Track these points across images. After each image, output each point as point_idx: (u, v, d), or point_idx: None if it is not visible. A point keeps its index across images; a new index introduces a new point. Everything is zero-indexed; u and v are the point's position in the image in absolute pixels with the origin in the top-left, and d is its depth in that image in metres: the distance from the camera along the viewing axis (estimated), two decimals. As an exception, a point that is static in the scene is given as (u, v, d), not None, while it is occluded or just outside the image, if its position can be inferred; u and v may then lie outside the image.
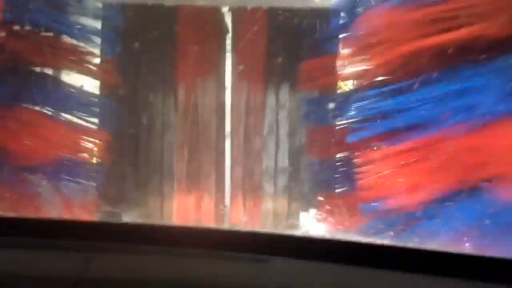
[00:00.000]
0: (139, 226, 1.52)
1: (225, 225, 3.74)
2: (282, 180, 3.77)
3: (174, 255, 1.34)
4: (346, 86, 3.53)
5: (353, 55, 3.43)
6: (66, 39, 3.56)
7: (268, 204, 3.73)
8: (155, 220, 3.69)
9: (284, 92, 3.75)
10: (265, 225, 3.68)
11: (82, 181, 3.53)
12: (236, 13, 3.68)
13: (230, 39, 3.69)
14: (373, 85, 3.35)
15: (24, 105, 3.46)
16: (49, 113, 3.52)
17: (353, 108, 3.42)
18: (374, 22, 3.31)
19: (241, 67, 3.70)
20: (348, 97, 3.50)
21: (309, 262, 1.33)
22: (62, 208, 3.40)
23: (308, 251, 1.35)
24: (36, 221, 1.56)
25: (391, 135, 3.33)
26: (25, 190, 3.37)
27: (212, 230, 1.56)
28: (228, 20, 3.67)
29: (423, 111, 3.23)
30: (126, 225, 1.54)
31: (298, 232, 3.39)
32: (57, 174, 3.47)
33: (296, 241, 1.48)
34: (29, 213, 3.20)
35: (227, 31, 3.69)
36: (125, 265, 1.30)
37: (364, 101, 3.38)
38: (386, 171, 3.29)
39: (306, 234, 1.43)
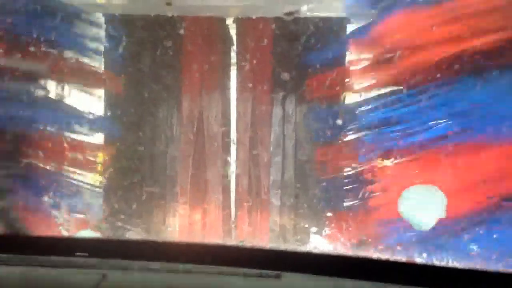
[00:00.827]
0: (152, 243, 1.52)
1: (231, 240, 3.67)
2: (290, 195, 3.68)
3: (187, 272, 1.35)
4: (356, 98, 3.45)
5: (363, 65, 3.36)
6: (67, 52, 3.52)
7: (275, 219, 3.65)
8: (158, 234, 3.62)
9: (291, 105, 3.66)
10: (272, 241, 3.60)
11: (84, 197, 3.48)
12: (241, 24, 3.61)
13: (235, 51, 3.63)
14: (385, 97, 3.28)
15: (26, 122, 3.41)
16: (50, 128, 3.48)
17: (363, 121, 3.36)
18: (385, 31, 3.25)
19: (246, 79, 3.63)
20: (358, 109, 3.41)
21: (321, 277, 1.34)
22: (67, 224, 3.35)
23: (319, 267, 1.37)
24: (51, 239, 1.59)
25: (405, 148, 3.25)
26: (32, 208, 3.33)
27: (224, 246, 1.57)
28: (233, 32, 3.62)
29: (438, 123, 3.15)
30: (140, 242, 1.59)
31: (306, 248, 3.32)
32: (61, 190, 3.42)
33: (307, 257, 1.50)
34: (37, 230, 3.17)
35: (232, 43, 3.63)
36: (139, 282, 1.31)
37: (375, 113, 3.31)
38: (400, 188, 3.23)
39: (317, 250, 1.42)
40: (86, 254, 1.42)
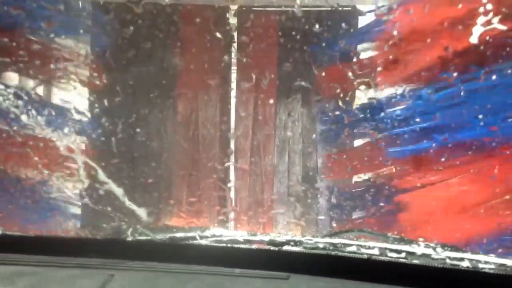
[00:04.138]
0: (159, 244, 1.56)
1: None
2: (295, 207, 3.38)
3: (195, 273, 1.38)
4: (367, 97, 3.17)
5: (374, 60, 3.11)
6: (57, 50, 3.31)
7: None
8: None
9: (297, 106, 3.41)
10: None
11: (69, 204, 3.34)
12: (243, 18, 3.38)
13: (236, 47, 3.39)
14: (397, 96, 3.02)
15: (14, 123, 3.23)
16: (40, 131, 3.26)
17: (375, 123, 3.10)
18: (397, 25, 3.00)
19: (248, 78, 3.36)
20: (368, 110, 3.15)
21: (329, 279, 1.36)
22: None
23: (327, 269, 1.38)
24: (58, 240, 1.65)
25: (422, 152, 2.99)
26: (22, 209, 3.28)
27: (232, 247, 1.51)
28: (234, 26, 3.39)
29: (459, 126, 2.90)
30: (147, 243, 1.56)
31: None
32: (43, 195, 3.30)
33: (316, 258, 1.46)
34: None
35: (233, 39, 3.38)
36: (146, 282, 1.33)
37: (387, 114, 3.06)
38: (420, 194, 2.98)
39: (325, 252, 1.44)
40: (94, 255, 1.46)
